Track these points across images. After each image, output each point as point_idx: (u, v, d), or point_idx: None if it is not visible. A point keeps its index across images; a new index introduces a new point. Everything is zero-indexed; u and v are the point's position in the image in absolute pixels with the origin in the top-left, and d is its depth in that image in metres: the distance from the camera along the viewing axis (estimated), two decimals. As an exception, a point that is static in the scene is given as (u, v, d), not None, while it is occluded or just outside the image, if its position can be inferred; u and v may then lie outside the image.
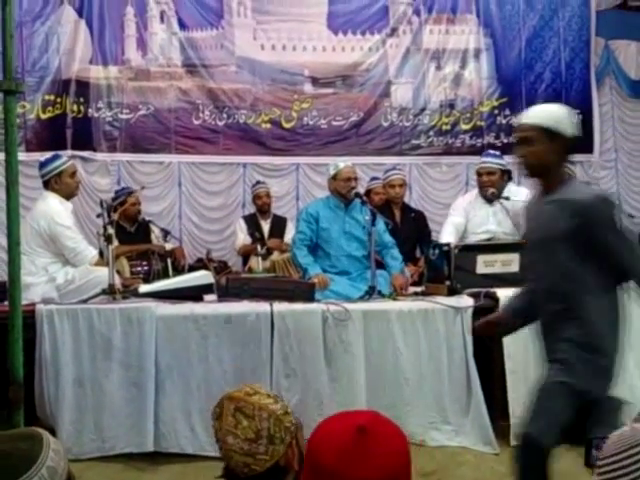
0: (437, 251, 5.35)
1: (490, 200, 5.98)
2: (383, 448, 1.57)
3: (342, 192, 5.75)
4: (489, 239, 5.77)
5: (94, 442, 4.51)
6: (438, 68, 8.90)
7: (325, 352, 4.73)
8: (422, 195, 8.81)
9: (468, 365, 4.83)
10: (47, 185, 5.44)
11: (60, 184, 5.41)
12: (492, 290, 5.01)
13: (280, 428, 2.03)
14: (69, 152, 7.87)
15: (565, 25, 9.05)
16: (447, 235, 5.98)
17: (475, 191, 6.32)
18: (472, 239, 5.95)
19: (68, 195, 5.49)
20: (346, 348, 4.75)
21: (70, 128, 8.13)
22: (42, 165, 5.57)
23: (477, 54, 8.94)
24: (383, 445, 1.58)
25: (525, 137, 3.26)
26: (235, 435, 2.03)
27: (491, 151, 6.48)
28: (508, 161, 6.33)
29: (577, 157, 7.45)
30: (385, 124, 8.79)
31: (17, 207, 3.63)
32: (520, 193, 5.96)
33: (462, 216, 6.09)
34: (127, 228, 7.01)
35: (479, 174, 6.13)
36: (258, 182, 8.06)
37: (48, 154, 7.72)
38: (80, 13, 8.18)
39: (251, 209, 8.17)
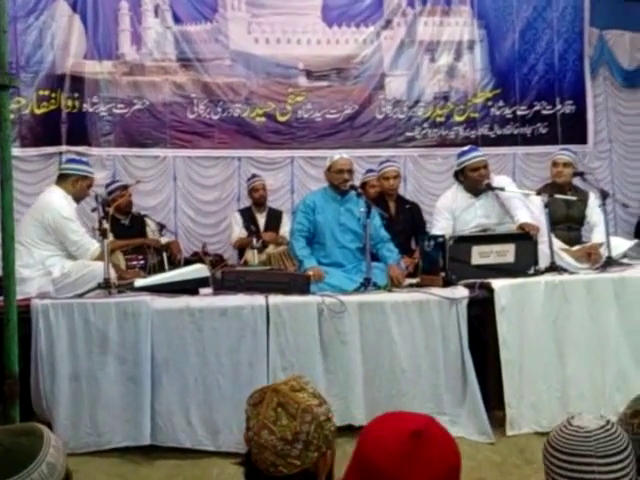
0: (432, 242, 5.35)
1: (478, 193, 5.91)
2: (437, 452, 1.58)
3: (335, 183, 5.77)
4: (482, 231, 5.76)
5: (90, 436, 4.49)
6: (432, 60, 8.94)
7: (321, 344, 4.72)
8: (417, 187, 8.84)
9: (463, 355, 4.84)
10: (62, 178, 5.55)
11: (76, 186, 5.53)
12: (487, 281, 5.01)
13: (319, 435, 1.88)
14: (64, 147, 7.89)
15: (558, 16, 9.09)
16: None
17: (454, 187, 6.11)
18: (463, 235, 5.91)
19: (76, 198, 5.59)
20: (342, 340, 4.75)
21: (65, 123, 8.14)
22: (72, 160, 5.85)
23: (471, 46, 8.98)
24: (437, 450, 1.58)
25: None
26: (271, 431, 1.87)
27: (472, 146, 6.35)
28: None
29: (572, 148, 7.46)
30: (379, 116, 8.82)
31: (11, 202, 3.65)
32: (503, 182, 5.96)
33: (449, 218, 5.94)
34: (121, 220, 7.03)
35: (475, 169, 5.85)
36: (254, 175, 8.07)
37: (43, 149, 7.83)
38: (74, 8, 8.18)
39: (246, 202, 8.18)
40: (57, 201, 5.35)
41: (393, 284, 5.35)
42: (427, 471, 1.54)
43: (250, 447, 1.94)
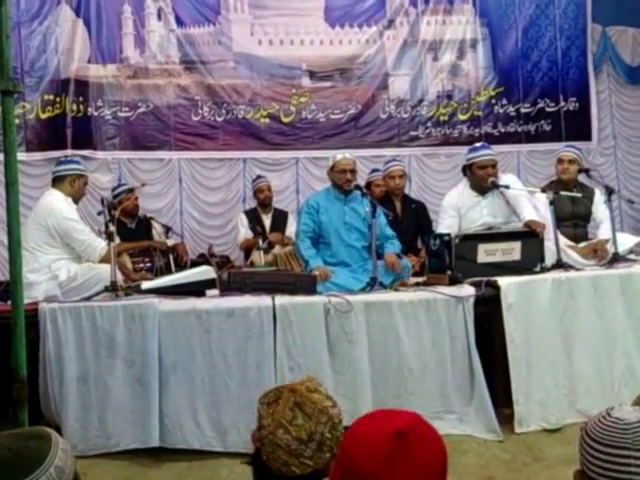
0: (438, 241, 5.36)
1: (485, 191, 5.89)
2: (422, 453, 1.54)
3: (338, 183, 5.78)
4: (488, 229, 5.75)
5: (99, 439, 4.51)
6: (435, 59, 8.92)
7: (328, 344, 4.74)
8: (421, 186, 8.83)
9: (471, 354, 4.85)
10: (58, 181, 5.57)
11: (74, 186, 5.57)
12: (493, 279, 5.01)
13: (333, 436, 1.90)
14: (69, 151, 7.89)
15: (561, 13, 9.07)
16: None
17: (462, 184, 6.08)
18: (469, 233, 5.90)
19: (75, 199, 5.62)
20: (349, 339, 4.76)
21: (70, 127, 8.12)
22: (63, 162, 5.84)
23: (474, 44, 8.95)
24: (422, 450, 1.54)
25: None
26: (287, 430, 1.88)
27: (484, 144, 6.35)
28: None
29: (576, 145, 7.45)
30: (383, 116, 8.80)
31: (17, 206, 3.65)
32: (510, 180, 5.95)
33: (454, 216, 5.93)
34: (128, 224, 7.02)
35: (483, 167, 5.82)
36: (259, 176, 8.06)
37: (49, 154, 7.85)
38: (77, 12, 8.16)
39: (252, 204, 8.17)
40: (58, 204, 5.38)
41: (388, 268, 5.41)
42: (411, 472, 1.50)
43: (259, 446, 1.93)
